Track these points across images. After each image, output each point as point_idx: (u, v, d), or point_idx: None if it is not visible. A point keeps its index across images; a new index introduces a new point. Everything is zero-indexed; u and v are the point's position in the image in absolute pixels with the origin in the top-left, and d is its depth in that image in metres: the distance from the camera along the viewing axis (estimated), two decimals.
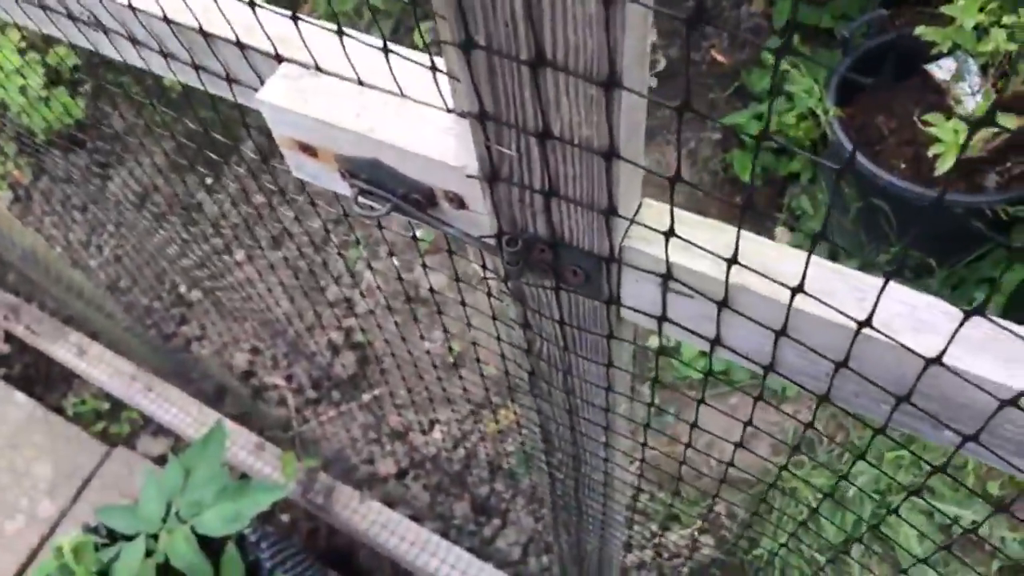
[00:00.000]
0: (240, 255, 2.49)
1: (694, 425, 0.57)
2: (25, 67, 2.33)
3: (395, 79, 0.45)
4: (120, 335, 2.21)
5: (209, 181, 2.70)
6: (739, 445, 0.58)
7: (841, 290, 0.38)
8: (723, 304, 0.40)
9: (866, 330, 0.36)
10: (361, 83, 0.46)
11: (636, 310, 0.46)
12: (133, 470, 2.19)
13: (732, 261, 0.37)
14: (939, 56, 1.99)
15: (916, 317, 0.37)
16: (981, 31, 1.72)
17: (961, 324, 0.31)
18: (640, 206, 0.42)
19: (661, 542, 2.01)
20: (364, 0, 2.61)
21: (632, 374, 0.59)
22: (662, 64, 2.68)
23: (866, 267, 2.16)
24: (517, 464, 2.08)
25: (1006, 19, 1.70)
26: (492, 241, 0.45)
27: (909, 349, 0.35)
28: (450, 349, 2.23)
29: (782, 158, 2.41)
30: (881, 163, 1.99)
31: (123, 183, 2.78)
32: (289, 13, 0.46)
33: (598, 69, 0.31)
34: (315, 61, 0.47)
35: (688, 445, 0.60)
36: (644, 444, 0.62)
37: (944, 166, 1.69)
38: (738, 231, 0.35)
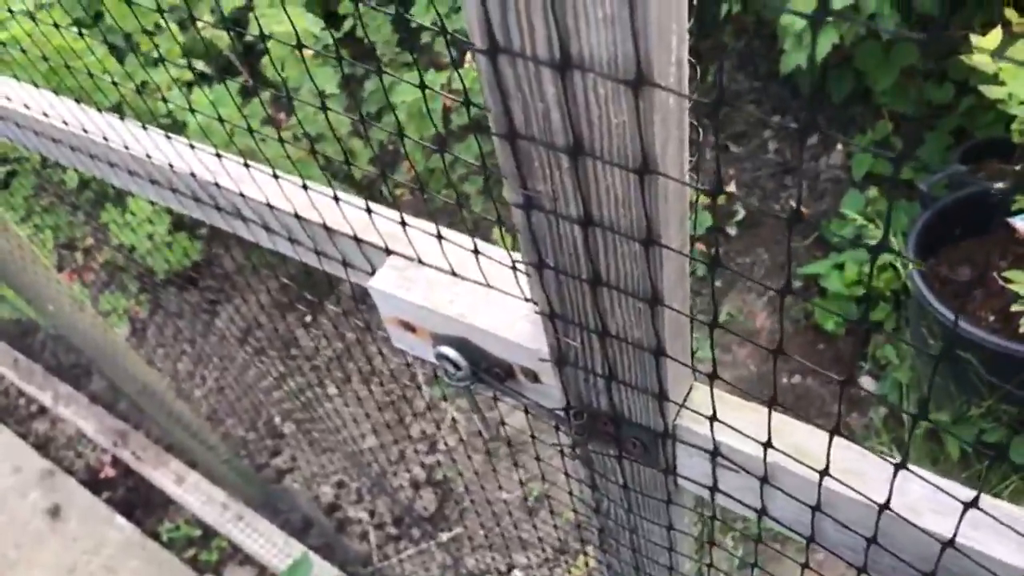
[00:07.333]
0: (332, 389, 2.61)
1: None
2: (155, 215, 2.59)
3: (482, 272, 0.53)
4: (216, 464, 2.32)
5: (308, 319, 2.88)
6: None
7: (869, 471, 0.43)
8: (764, 480, 0.45)
9: (889, 510, 0.40)
10: (455, 274, 0.55)
11: (690, 479, 0.51)
12: None
13: (767, 445, 0.42)
14: (1022, 211, 2.01)
15: (937, 500, 0.41)
16: None
17: (964, 511, 0.36)
18: (691, 389, 0.49)
19: None
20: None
21: (695, 537, 0.63)
22: (741, 214, 2.77)
23: (959, 421, 2.11)
24: None
25: None
26: (562, 413, 0.52)
27: (925, 531, 0.39)
28: (524, 497, 2.25)
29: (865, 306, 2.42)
30: (967, 315, 1.98)
31: (229, 319, 2.98)
32: (399, 216, 0.55)
33: (643, 291, 0.38)
34: (417, 255, 0.56)
35: None
36: None
37: None
38: (768, 414, 0.41)
